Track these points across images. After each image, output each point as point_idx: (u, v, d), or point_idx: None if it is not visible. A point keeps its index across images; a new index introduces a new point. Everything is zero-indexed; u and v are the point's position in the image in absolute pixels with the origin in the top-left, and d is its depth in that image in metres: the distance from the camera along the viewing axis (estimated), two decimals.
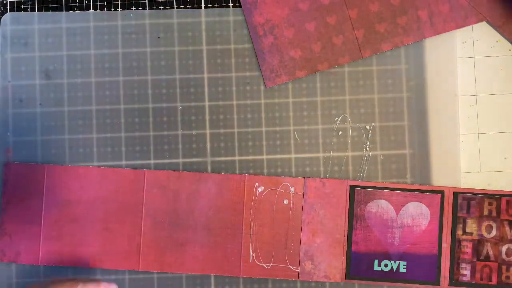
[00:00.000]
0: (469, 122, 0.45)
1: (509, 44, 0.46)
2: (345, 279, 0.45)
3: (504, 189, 0.45)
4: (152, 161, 0.46)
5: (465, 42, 0.46)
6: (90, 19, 0.46)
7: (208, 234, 0.45)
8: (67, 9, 0.46)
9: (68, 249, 0.45)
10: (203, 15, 0.46)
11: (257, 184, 0.45)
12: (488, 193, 0.44)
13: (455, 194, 0.44)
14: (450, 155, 0.45)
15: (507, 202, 0.44)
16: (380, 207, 0.45)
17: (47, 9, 0.46)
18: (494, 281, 0.44)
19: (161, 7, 0.46)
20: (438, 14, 0.45)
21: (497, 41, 0.46)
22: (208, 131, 0.46)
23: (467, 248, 0.44)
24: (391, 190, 0.45)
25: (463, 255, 0.44)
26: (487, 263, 0.44)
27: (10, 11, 0.46)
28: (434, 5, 0.45)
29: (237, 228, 0.45)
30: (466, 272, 0.44)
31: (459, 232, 0.44)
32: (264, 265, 0.45)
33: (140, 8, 0.46)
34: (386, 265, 0.44)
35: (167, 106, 0.46)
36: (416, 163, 0.45)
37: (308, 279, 0.45)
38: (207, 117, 0.46)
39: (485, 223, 0.44)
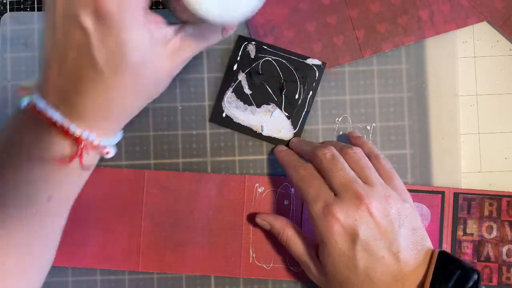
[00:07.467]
0: (469, 122, 0.45)
1: (510, 44, 0.46)
2: None
3: (504, 190, 0.45)
4: (152, 161, 0.45)
5: (466, 42, 0.46)
6: None
7: (208, 235, 0.45)
8: None
9: (68, 249, 0.44)
10: None
11: (257, 184, 0.45)
12: (488, 194, 0.44)
13: (456, 195, 0.44)
14: (450, 155, 0.45)
15: (508, 202, 0.44)
16: None
17: None
18: (494, 282, 0.44)
19: (160, 7, 0.45)
20: (439, 14, 0.45)
21: (497, 41, 0.46)
22: (208, 131, 0.46)
23: (468, 249, 0.44)
24: None
25: (464, 256, 0.44)
26: (487, 264, 0.44)
27: (10, 11, 0.46)
28: (434, 5, 0.45)
29: (237, 228, 0.45)
30: None
31: (460, 233, 0.44)
32: (264, 266, 0.45)
33: None
34: None
35: (167, 106, 0.46)
36: (416, 163, 0.45)
37: (309, 279, 0.44)
38: (207, 117, 0.46)
39: (486, 224, 0.44)
